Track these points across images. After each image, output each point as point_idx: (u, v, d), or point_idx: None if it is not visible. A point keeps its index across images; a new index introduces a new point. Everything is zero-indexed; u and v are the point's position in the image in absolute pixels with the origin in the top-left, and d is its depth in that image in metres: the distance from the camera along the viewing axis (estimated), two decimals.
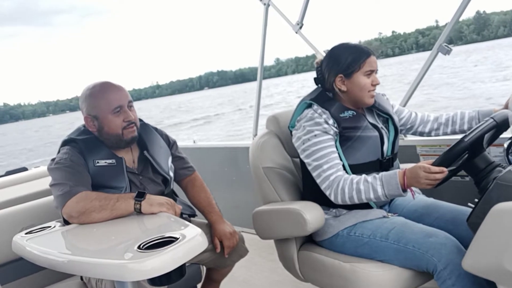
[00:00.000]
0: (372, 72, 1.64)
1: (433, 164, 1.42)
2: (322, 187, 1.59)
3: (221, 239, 1.81)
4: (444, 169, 1.40)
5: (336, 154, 1.60)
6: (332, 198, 1.57)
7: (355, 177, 1.55)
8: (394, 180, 1.47)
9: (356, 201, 1.55)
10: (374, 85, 1.65)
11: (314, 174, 1.61)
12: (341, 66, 1.63)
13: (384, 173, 1.53)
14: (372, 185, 1.51)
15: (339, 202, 1.57)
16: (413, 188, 1.67)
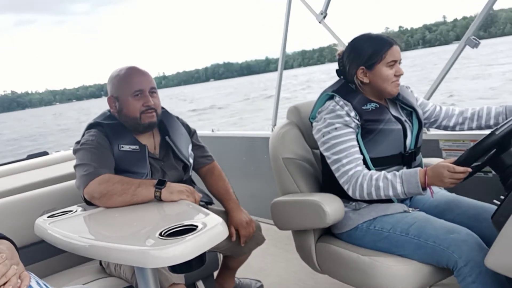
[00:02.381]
0: (395, 62, 1.60)
1: (461, 157, 1.41)
2: (341, 181, 1.58)
3: (238, 228, 1.82)
4: (468, 169, 1.40)
5: (357, 148, 1.58)
6: (350, 193, 1.57)
7: (375, 173, 1.53)
8: (414, 179, 1.46)
9: (375, 197, 1.54)
10: (397, 75, 1.62)
11: (333, 168, 1.60)
12: (362, 58, 1.61)
13: (404, 170, 1.52)
14: (391, 182, 1.50)
15: (357, 197, 1.56)
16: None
